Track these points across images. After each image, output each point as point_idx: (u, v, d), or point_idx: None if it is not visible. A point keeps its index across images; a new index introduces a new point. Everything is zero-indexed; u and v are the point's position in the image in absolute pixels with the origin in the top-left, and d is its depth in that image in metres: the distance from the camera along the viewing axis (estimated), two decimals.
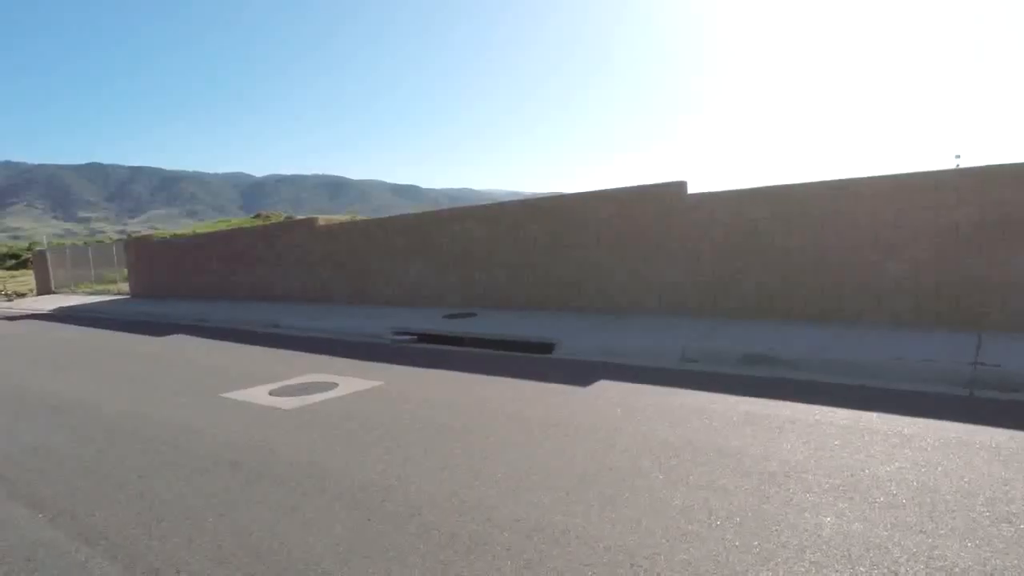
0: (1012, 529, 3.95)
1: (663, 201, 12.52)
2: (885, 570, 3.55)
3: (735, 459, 5.30)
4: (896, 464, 5.05)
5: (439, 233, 16.37)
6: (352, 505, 4.76)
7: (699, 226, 12.06)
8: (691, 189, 12.31)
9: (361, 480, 5.25)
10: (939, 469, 4.92)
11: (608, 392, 7.77)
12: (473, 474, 5.25)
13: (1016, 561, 3.58)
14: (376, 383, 8.79)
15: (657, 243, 12.61)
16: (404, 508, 4.65)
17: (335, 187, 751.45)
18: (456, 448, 5.93)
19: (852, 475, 4.88)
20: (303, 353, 11.69)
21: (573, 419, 6.66)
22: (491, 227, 15.33)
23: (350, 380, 9.05)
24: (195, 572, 3.92)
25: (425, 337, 12.49)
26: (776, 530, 4.06)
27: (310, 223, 19.86)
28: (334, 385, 8.77)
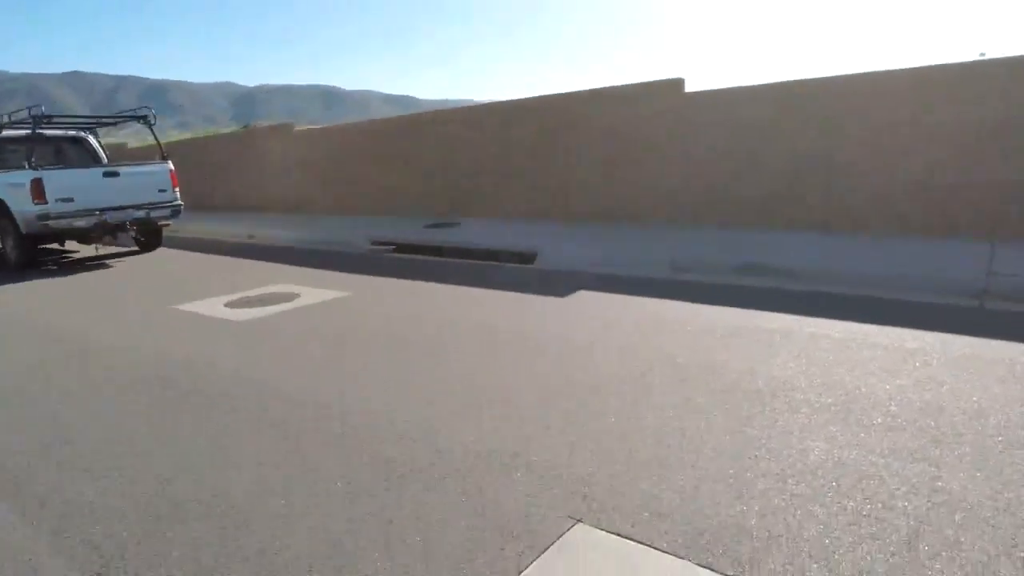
0: None
1: (658, 100, 11.47)
2: (879, 504, 3.03)
3: (717, 375, 4.76)
4: (897, 382, 4.50)
5: (421, 138, 15.34)
6: (284, 427, 4.24)
7: (697, 128, 11.09)
8: (689, 88, 11.24)
9: (300, 399, 4.72)
10: (945, 388, 4.36)
11: (588, 303, 7.17)
12: (426, 393, 4.72)
13: None
14: (342, 294, 8.20)
15: (652, 146, 11.67)
16: (339, 430, 4.13)
17: (328, 97, 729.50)
18: (414, 364, 5.38)
19: (847, 394, 4.33)
20: (272, 263, 11.05)
21: (545, 332, 6.09)
22: (476, 131, 14.30)
23: (315, 291, 8.45)
24: (87, 503, 3.43)
25: (404, 247, 11.82)
26: (755, 457, 3.54)
27: (286, 129, 18.72)
28: (295, 296, 8.18)
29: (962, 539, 2.76)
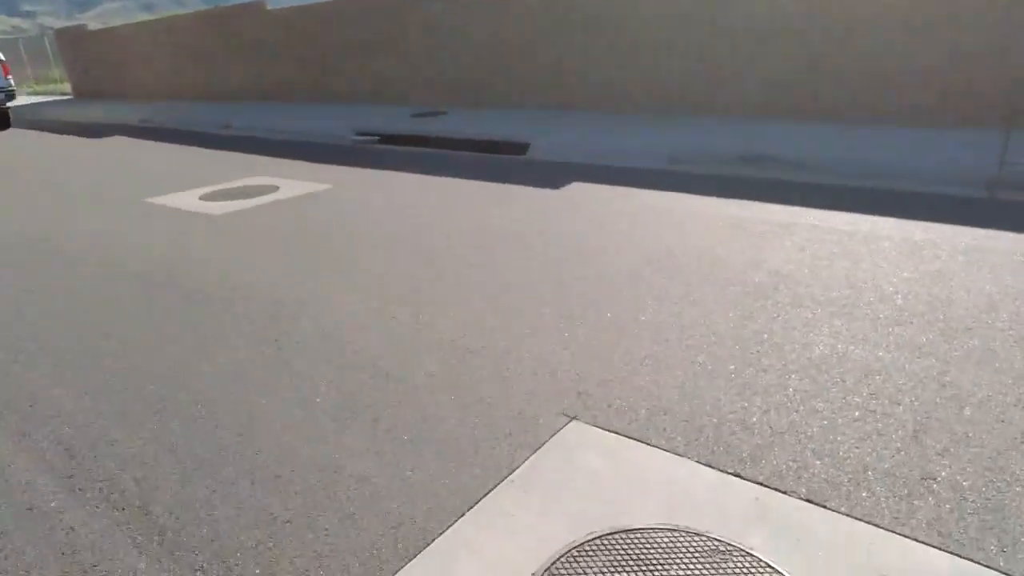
0: None
1: None
2: (885, 400, 2.92)
3: (718, 269, 4.55)
4: (904, 275, 4.32)
5: (406, 18, 14.21)
6: (265, 324, 4.05)
7: (702, 6, 10.24)
8: None
9: (282, 295, 4.50)
10: (954, 281, 4.19)
11: (581, 196, 6.84)
12: (413, 289, 4.50)
13: None
14: (323, 187, 7.80)
15: (648, 23, 10.84)
16: (322, 328, 3.94)
17: None
18: (394, 261, 5.13)
19: (852, 287, 4.15)
20: (251, 155, 10.50)
21: (538, 225, 5.81)
22: (465, 10, 13.22)
23: (295, 183, 8.04)
24: (56, 402, 3.27)
25: (389, 138, 11.23)
26: (757, 352, 3.39)
27: (258, 7, 17.29)
28: (275, 189, 7.77)
29: (970, 434, 2.66)
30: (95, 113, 18.49)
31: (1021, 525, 2.17)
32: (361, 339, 3.74)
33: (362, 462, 2.65)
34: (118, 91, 23.05)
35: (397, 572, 2.10)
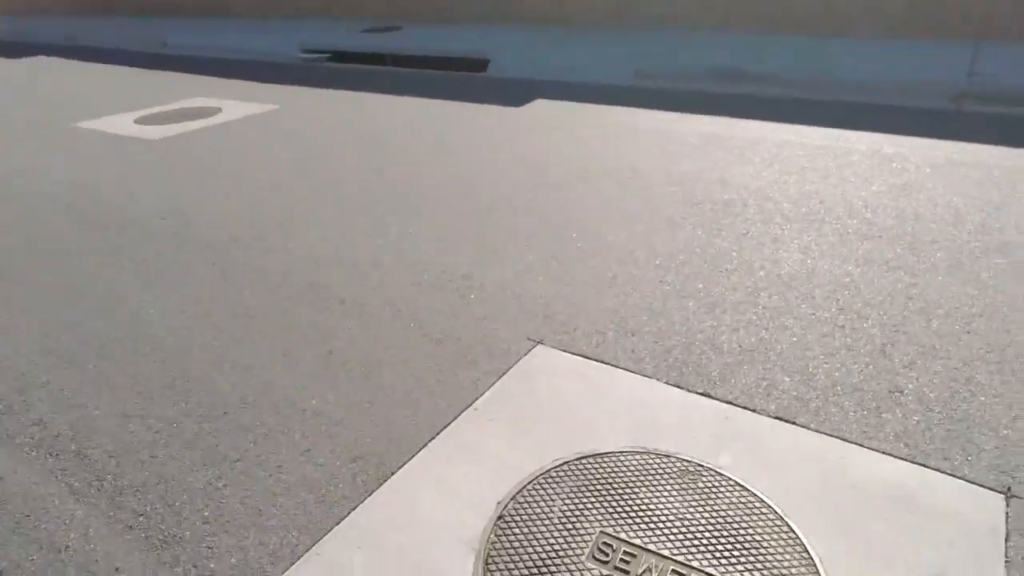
0: (1004, 261, 3.27)
1: None
2: (854, 315, 2.87)
3: (687, 186, 4.40)
4: (873, 189, 4.24)
5: None
6: (194, 257, 3.78)
7: None
8: None
9: (226, 226, 4.21)
10: (923, 194, 4.13)
11: (545, 113, 6.53)
12: (366, 217, 4.25)
13: (1007, 299, 2.94)
14: (269, 108, 7.29)
15: None
16: (271, 260, 3.71)
17: None
18: (352, 187, 4.84)
19: (822, 202, 4.06)
20: (190, 75, 9.75)
21: (499, 145, 5.53)
22: None
23: (239, 105, 7.49)
24: None
25: (339, 55, 10.53)
26: (727, 270, 3.30)
27: None
28: (217, 111, 7.24)
29: (937, 346, 2.64)
30: (20, 29, 16.91)
31: (985, 434, 2.17)
32: (316, 270, 3.53)
33: (317, 396, 2.51)
34: (46, 6, 21.07)
35: (356, 507, 2.00)
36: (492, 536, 1.88)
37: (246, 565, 1.83)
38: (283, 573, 1.80)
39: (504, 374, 2.57)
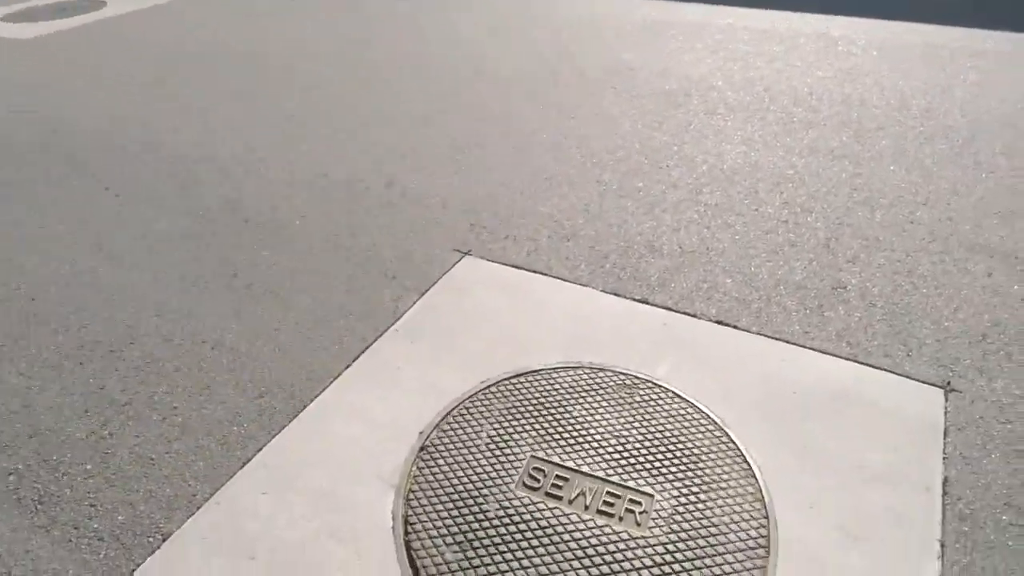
0: (946, 146, 3.16)
1: None
2: (798, 209, 2.73)
3: (625, 77, 4.08)
4: (819, 74, 4.02)
5: None
6: (83, 173, 3.32)
7: None
8: None
9: (106, 137, 3.69)
10: (869, 78, 3.94)
11: (475, 1, 5.95)
12: (260, 125, 3.80)
13: (950, 185, 2.84)
14: (161, 1, 6.41)
15: None
16: (151, 174, 3.27)
17: None
18: (250, 89, 4.32)
19: (766, 89, 3.83)
20: None
21: (402, 35, 5.01)
22: None
23: None
24: None
25: None
26: (668, 166, 3.09)
27: None
28: (101, 5, 6.32)
29: (881, 238, 2.54)
30: None
31: (926, 327, 2.10)
32: (215, 180, 3.13)
33: (219, 325, 2.24)
34: None
35: (263, 447, 1.80)
36: (414, 469, 1.72)
37: (135, 521, 1.63)
38: (178, 527, 1.60)
39: (428, 290, 2.34)
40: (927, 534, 1.51)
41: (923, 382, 1.90)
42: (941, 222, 2.61)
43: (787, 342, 2.07)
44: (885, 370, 1.95)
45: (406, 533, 1.57)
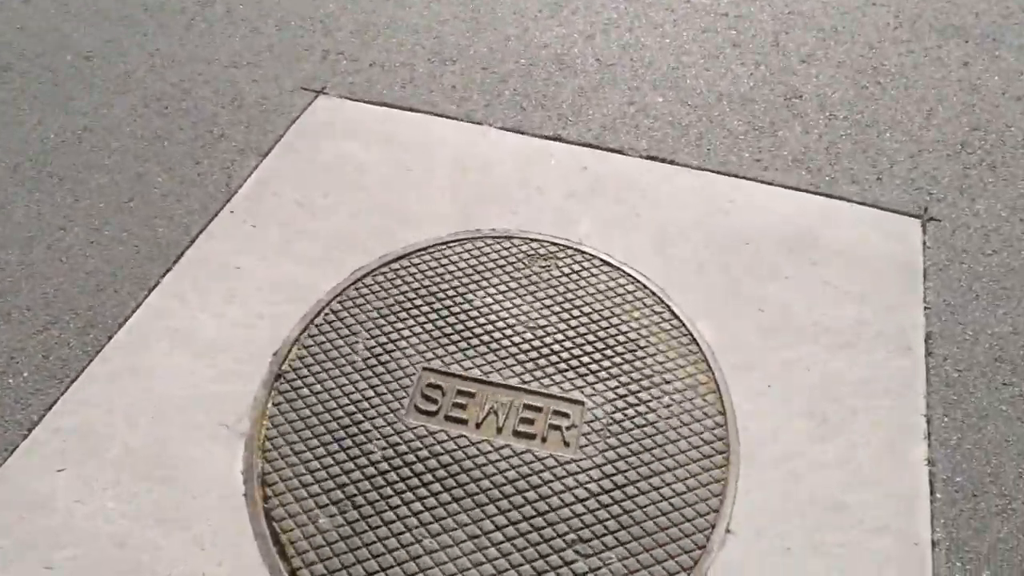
0: None
1: None
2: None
3: None
4: None
5: None
6: None
7: None
8: None
9: None
10: None
11: None
12: None
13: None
14: None
15: None
16: None
17: None
18: None
19: None
20: None
21: None
22: None
23: None
24: None
25: None
26: None
27: None
28: None
29: (839, 27, 2.06)
30: None
31: (898, 140, 1.73)
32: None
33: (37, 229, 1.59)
34: None
35: (54, 404, 1.30)
36: (269, 407, 1.28)
37: None
38: None
39: (270, 150, 1.73)
40: (910, 409, 1.25)
41: (897, 212, 1.56)
42: (907, 1, 2.13)
43: (735, 176, 1.65)
44: (853, 201, 1.58)
45: (265, 498, 1.17)
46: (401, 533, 1.13)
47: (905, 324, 1.36)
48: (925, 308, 1.39)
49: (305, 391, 1.30)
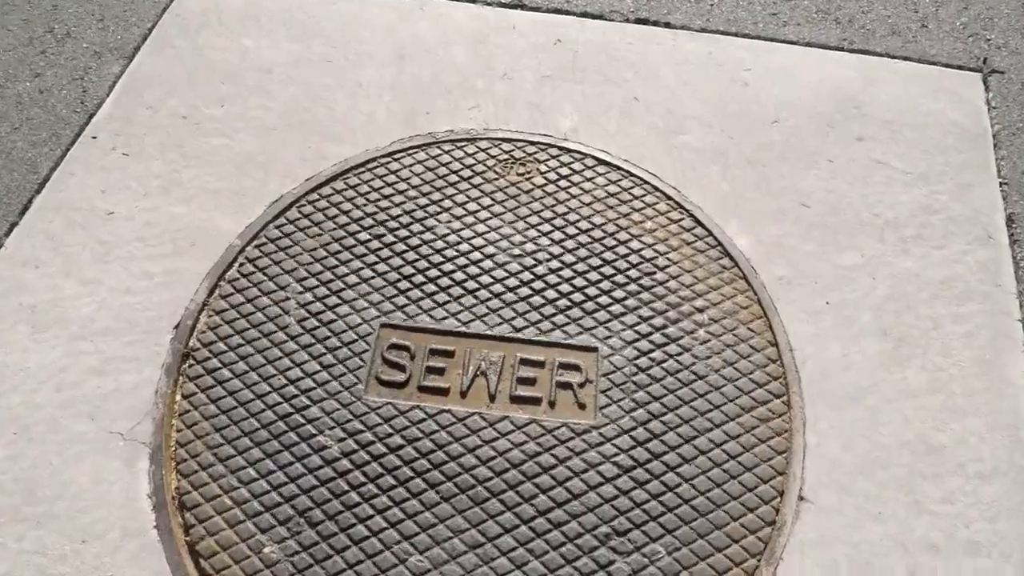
0: None
1: None
2: None
3: None
4: None
5: None
6: None
7: None
8: None
9: None
10: None
11: None
12: None
13: None
14: None
15: None
16: None
17: None
18: None
19: None
20: None
21: None
22: None
23: None
24: None
25: None
26: None
27: None
28: None
29: None
30: None
31: None
32: None
33: None
34: None
35: None
36: (178, 401, 0.95)
37: None
38: None
39: (137, 50, 1.29)
40: (1002, 312, 1.00)
41: (951, 66, 1.25)
42: None
43: (749, 36, 1.30)
44: (896, 57, 1.27)
45: (186, 528, 0.86)
46: (378, 553, 0.84)
47: (980, 206, 1.09)
48: (1001, 184, 1.11)
49: (225, 373, 0.96)
